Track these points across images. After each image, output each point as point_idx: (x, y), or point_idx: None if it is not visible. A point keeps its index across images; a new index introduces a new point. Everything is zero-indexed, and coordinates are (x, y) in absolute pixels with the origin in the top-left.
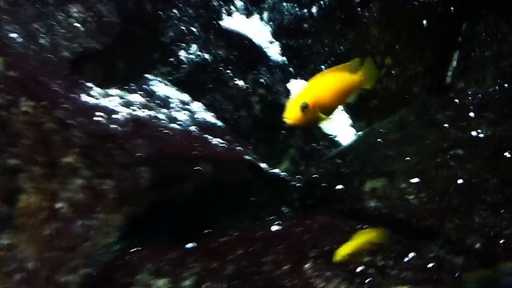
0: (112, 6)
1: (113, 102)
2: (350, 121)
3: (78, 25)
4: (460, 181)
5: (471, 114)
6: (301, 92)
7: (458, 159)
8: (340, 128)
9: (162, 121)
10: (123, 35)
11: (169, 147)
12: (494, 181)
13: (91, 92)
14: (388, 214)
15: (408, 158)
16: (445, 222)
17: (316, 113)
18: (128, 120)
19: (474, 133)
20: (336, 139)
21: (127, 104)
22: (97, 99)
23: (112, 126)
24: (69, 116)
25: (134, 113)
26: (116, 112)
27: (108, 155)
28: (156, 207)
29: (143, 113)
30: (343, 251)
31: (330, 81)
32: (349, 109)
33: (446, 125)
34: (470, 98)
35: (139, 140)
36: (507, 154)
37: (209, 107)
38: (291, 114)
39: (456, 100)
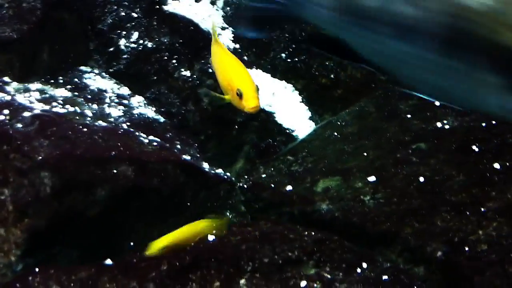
0: None
1: (30, 98)
2: (309, 114)
3: None
4: (421, 178)
5: (437, 103)
6: (245, 79)
7: (420, 154)
8: (299, 121)
9: (87, 118)
10: (48, 22)
11: (79, 148)
12: (460, 178)
13: (5, 87)
14: (341, 217)
15: (365, 153)
16: (404, 226)
17: None
18: (33, 118)
19: (439, 124)
20: (294, 133)
21: (48, 100)
22: (11, 94)
23: (14, 125)
24: None
25: (52, 110)
26: (27, 110)
27: (4, 159)
28: (63, 218)
29: (63, 109)
30: (160, 243)
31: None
32: (310, 100)
33: (408, 115)
34: None
35: (42, 140)
36: (474, 147)
37: (152, 102)
38: (256, 101)
39: None
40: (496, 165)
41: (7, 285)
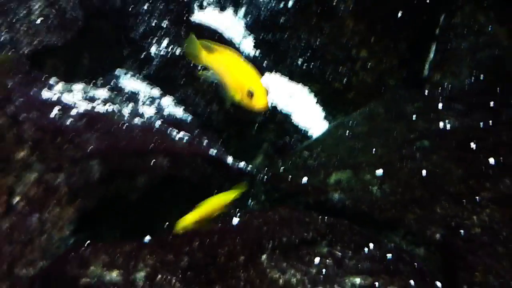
0: (76, 3)
1: (75, 97)
2: (323, 114)
3: (39, 21)
4: (424, 172)
5: (440, 106)
6: (256, 80)
7: (423, 151)
8: (314, 121)
9: (125, 116)
10: (87, 30)
11: (122, 141)
12: (458, 172)
13: (52, 88)
14: (351, 205)
15: (374, 150)
16: (407, 213)
17: None
18: (82, 115)
19: (441, 124)
20: (309, 132)
21: (90, 99)
22: (58, 94)
23: (65, 121)
24: (22, 111)
25: (95, 108)
26: (74, 107)
27: (59, 150)
28: (108, 201)
29: (105, 108)
30: (186, 220)
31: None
32: (324, 103)
33: (414, 116)
34: (440, 89)
35: (91, 134)
36: (472, 145)
37: (180, 102)
38: (265, 100)
39: (426, 92)
40: (491, 160)
41: (62, 255)
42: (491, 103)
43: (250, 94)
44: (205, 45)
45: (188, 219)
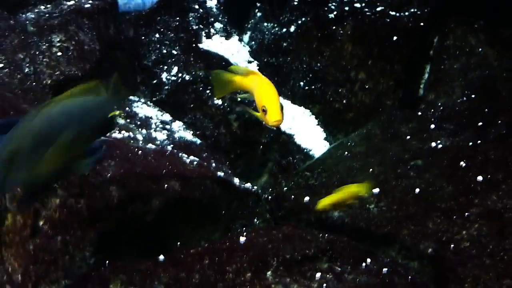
0: (94, 35)
1: None
2: (324, 135)
3: (60, 53)
4: (417, 190)
5: (432, 126)
6: (271, 98)
7: (417, 169)
8: (315, 142)
9: (139, 142)
10: (104, 60)
11: (138, 167)
12: (449, 189)
13: None
14: (350, 222)
15: (371, 169)
16: (402, 229)
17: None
18: (101, 142)
19: (433, 144)
20: (311, 152)
21: None
22: None
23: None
24: None
25: (112, 135)
26: None
27: (81, 176)
28: (126, 222)
29: (120, 134)
30: (325, 201)
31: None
32: (325, 123)
33: (408, 137)
34: (432, 110)
35: (110, 161)
36: (462, 163)
37: (189, 126)
38: (279, 115)
39: (419, 113)
40: (480, 178)
41: (84, 274)
42: (480, 123)
43: (265, 111)
44: (236, 71)
45: (327, 201)
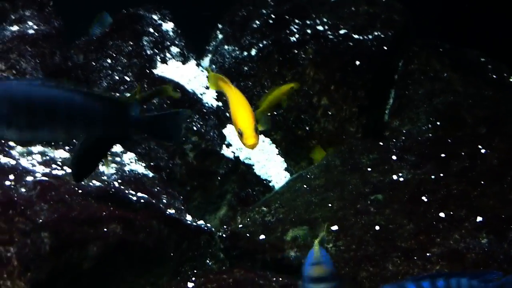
0: (37, 62)
1: (33, 161)
2: (285, 165)
3: None
4: (377, 227)
5: (394, 157)
6: (246, 121)
7: (377, 205)
8: (275, 172)
9: None
10: None
11: (74, 210)
12: (410, 226)
13: (11, 152)
14: None
15: (330, 204)
16: (360, 270)
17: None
18: (35, 183)
19: (395, 176)
20: (270, 183)
21: (48, 163)
22: (16, 159)
23: (18, 190)
24: None
25: (52, 171)
26: (29, 174)
27: (10, 222)
28: (60, 272)
29: (62, 171)
30: (262, 106)
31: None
32: (287, 150)
33: (369, 169)
34: (394, 140)
35: (42, 205)
36: (424, 198)
37: (143, 157)
38: (254, 139)
39: (381, 143)
40: (442, 214)
41: None
42: (443, 154)
43: (240, 134)
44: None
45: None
